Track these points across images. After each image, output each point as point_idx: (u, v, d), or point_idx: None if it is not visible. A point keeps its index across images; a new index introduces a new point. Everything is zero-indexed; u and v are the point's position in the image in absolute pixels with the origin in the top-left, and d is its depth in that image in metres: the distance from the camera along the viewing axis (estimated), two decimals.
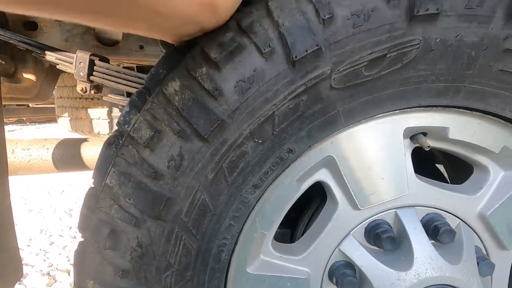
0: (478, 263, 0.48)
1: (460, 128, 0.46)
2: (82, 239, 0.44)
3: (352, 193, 0.47)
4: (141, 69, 1.24)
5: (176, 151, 0.38)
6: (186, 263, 0.42)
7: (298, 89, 0.38)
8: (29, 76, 0.99)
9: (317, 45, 0.36)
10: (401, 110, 0.43)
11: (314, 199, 0.57)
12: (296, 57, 0.36)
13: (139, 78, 0.88)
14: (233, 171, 0.40)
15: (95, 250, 0.41)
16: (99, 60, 0.85)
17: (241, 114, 0.38)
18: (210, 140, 0.38)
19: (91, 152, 1.02)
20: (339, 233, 0.49)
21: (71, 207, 2.32)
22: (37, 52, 0.84)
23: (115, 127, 0.43)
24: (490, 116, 0.45)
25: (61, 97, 1.36)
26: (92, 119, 1.28)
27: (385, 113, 0.43)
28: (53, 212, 2.24)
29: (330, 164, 0.46)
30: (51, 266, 1.58)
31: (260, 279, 0.49)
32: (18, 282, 0.79)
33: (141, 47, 1.03)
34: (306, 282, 0.49)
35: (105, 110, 1.26)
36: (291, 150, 0.42)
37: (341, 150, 0.45)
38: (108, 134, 1.30)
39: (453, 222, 0.50)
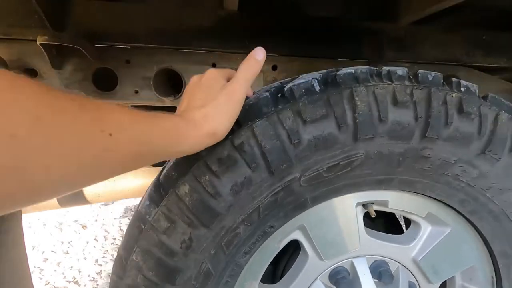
0: None
1: (396, 201, 0.62)
2: None
3: (318, 249, 0.62)
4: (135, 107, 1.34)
5: (187, 236, 0.51)
6: None
7: (276, 188, 0.52)
8: None
9: (289, 160, 0.50)
10: (353, 193, 0.58)
11: (290, 247, 0.72)
12: (274, 169, 0.50)
13: None
14: (229, 246, 0.54)
15: None
16: None
17: (235, 208, 0.51)
18: (212, 228, 0.51)
19: (92, 187, 1.11)
20: (310, 277, 0.64)
21: (60, 221, 2.38)
22: None
23: (136, 214, 0.55)
24: (417, 193, 0.61)
25: None
26: None
27: (342, 196, 0.58)
28: (43, 227, 2.29)
29: (303, 228, 0.61)
30: (48, 284, 1.67)
31: None
32: None
33: (136, 92, 1.12)
34: None
35: None
36: (272, 226, 0.56)
37: (309, 221, 0.59)
38: None
39: (394, 266, 0.66)
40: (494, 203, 0.59)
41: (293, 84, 0.53)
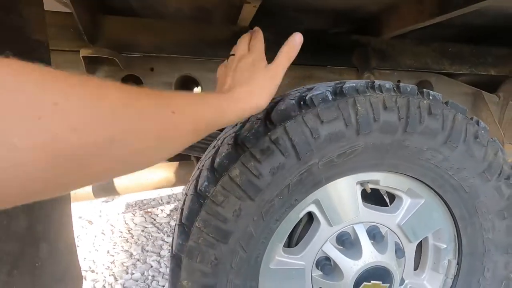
0: (396, 251, 0.87)
1: (385, 180, 0.83)
2: (176, 256, 0.74)
3: (328, 217, 0.82)
4: None
5: (237, 207, 0.70)
6: (240, 266, 0.74)
7: (302, 171, 0.71)
8: None
9: (311, 150, 0.70)
10: (355, 174, 0.79)
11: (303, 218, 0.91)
12: (301, 157, 0.69)
13: None
14: (267, 214, 0.73)
15: (188, 263, 0.72)
16: None
17: (272, 186, 0.70)
18: (256, 200, 0.70)
19: (122, 180, 1.26)
20: (322, 240, 0.84)
21: None
22: None
23: (195, 192, 0.72)
24: (401, 173, 0.82)
25: None
26: None
27: (347, 176, 0.78)
28: None
29: (317, 202, 0.81)
30: None
31: (277, 271, 0.82)
32: None
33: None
34: (302, 270, 0.84)
35: None
36: (296, 199, 0.75)
37: (323, 195, 0.79)
38: None
39: (383, 230, 0.87)
40: (454, 179, 0.81)
41: (311, 94, 0.72)
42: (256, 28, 0.62)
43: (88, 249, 2.03)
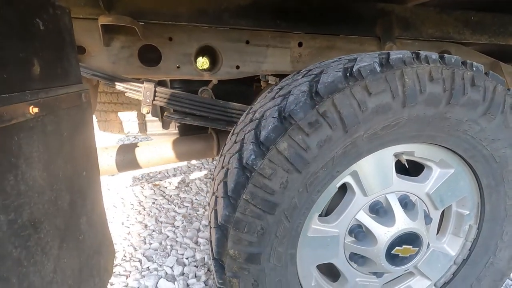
0: (425, 218, 0.91)
1: (420, 151, 0.85)
2: (222, 227, 0.76)
3: (364, 188, 0.84)
4: (172, 82, 1.44)
5: (284, 179, 0.71)
6: (284, 234, 0.77)
7: (347, 143, 0.72)
8: None
9: (358, 123, 0.70)
10: (394, 145, 0.80)
11: None
12: (348, 129, 0.70)
13: (189, 99, 1.13)
14: (311, 186, 0.74)
15: (235, 233, 0.74)
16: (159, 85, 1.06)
17: (318, 158, 0.71)
18: (302, 173, 0.71)
19: (144, 154, 1.25)
20: (356, 210, 0.87)
21: None
22: (107, 83, 1.03)
23: (241, 164, 0.73)
24: (435, 144, 0.84)
25: None
26: (122, 121, 1.46)
27: (386, 148, 0.79)
28: None
29: (354, 173, 0.83)
30: None
31: (314, 238, 0.86)
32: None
33: (178, 67, 1.23)
34: (337, 237, 0.88)
35: (134, 113, 1.44)
36: (338, 171, 0.77)
37: (361, 167, 0.81)
38: (137, 133, 1.50)
39: (414, 198, 0.91)
40: (487, 149, 0.83)
41: (359, 66, 0.71)
42: None
43: None
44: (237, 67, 1.29)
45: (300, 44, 1.32)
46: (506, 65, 1.54)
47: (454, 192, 0.93)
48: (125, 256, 1.70)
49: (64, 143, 0.72)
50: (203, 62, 1.60)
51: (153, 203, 2.33)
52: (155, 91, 1.05)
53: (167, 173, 2.90)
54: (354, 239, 0.89)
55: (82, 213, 0.84)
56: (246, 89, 1.69)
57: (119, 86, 1.04)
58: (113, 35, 1.15)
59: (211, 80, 1.33)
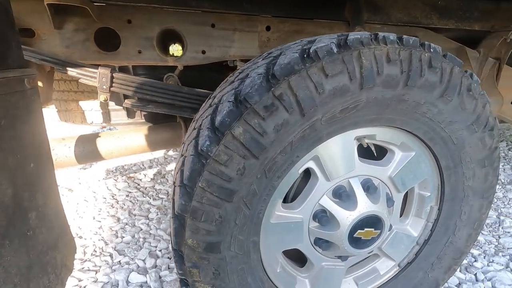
0: (387, 201, 0.92)
1: (381, 135, 0.85)
2: (179, 216, 0.73)
3: (327, 172, 0.84)
4: (134, 68, 1.36)
5: (241, 165, 0.69)
6: (244, 222, 0.76)
7: (305, 127, 0.70)
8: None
9: (315, 105, 0.68)
10: (354, 129, 0.79)
11: None
12: (305, 113, 0.68)
13: (150, 85, 1.08)
14: (270, 172, 0.73)
15: (192, 223, 0.72)
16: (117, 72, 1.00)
17: (276, 143, 0.69)
18: (260, 158, 0.69)
19: (106, 145, 1.19)
20: (319, 195, 0.87)
21: None
22: (59, 68, 0.96)
23: (197, 151, 0.70)
24: (395, 127, 0.84)
25: None
26: (84, 110, 1.38)
27: (347, 131, 0.79)
28: None
29: (316, 158, 0.81)
30: None
31: (277, 225, 0.85)
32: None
33: (140, 52, 1.17)
34: (301, 223, 0.88)
35: (97, 102, 1.37)
36: (298, 156, 0.75)
37: (322, 151, 0.80)
38: (101, 123, 1.43)
39: (376, 182, 0.92)
40: (445, 131, 0.84)
41: (316, 47, 0.69)
42: None
43: (72, 216, 1.98)
44: (203, 52, 1.24)
45: (268, 28, 1.28)
46: (471, 50, 1.57)
47: (416, 175, 0.94)
48: (95, 251, 1.65)
49: (2, 133, 0.66)
50: (177, 50, 1.53)
51: (127, 196, 2.27)
52: (111, 77, 0.99)
53: (143, 165, 2.82)
54: (318, 224, 0.89)
55: (30, 208, 0.79)
56: (217, 76, 1.64)
57: (72, 71, 0.97)
58: (65, 17, 1.07)
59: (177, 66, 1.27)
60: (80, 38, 1.10)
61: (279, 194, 0.82)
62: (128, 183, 2.46)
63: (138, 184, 2.44)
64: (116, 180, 2.50)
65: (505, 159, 3.08)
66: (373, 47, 0.70)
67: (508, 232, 1.85)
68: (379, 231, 0.89)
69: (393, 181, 0.92)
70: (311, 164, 0.83)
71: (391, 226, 0.98)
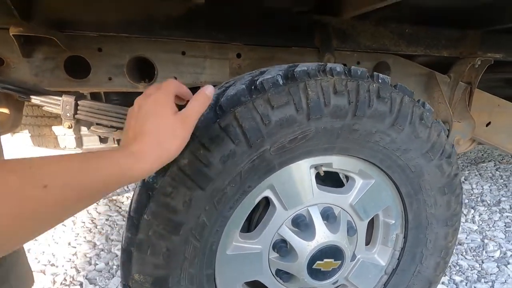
0: (348, 229, 0.91)
1: (337, 163, 0.85)
2: (126, 250, 0.71)
3: (283, 202, 0.83)
4: (107, 94, 1.38)
5: (187, 197, 0.68)
6: (194, 255, 0.74)
7: (253, 157, 0.70)
8: (3, 110, 1.07)
9: (262, 136, 0.68)
10: (308, 158, 0.79)
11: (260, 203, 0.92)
12: (252, 143, 0.68)
13: (115, 112, 1.09)
14: (219, 203, 0.72)
15: (139, 256, 0.70)
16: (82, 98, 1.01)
17: (223, 174, 0.69)
18: (207, 190, 0.68)
19: None
20: (278, 224, 0.85)
21: None
22: (22, 96, 0.96)
23: (143, 184, 0.69)
24: (352, 156, 0.84)
25: None
26: (57, 135, 1.37)
27: (300, 160, 0.79)
28: None
29: (272, 187, 0.81)
30: None
31: (234, 256, 0.83)
32: None
33: (110, 79, 1.19)
34: (259, 254, 0.85)
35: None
36: (250, 186, 0.75)
37: (277, 181, 0.80)
38: (75, 148, 1.42)
39: (337, 210, 0.91)
40: (401, 160, 0.84)
41: (262, 78, 0.70)
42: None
43: (47, 242, 1.93)
44: (175, 78, 1.26)
45: (239, 55, 1.32)
46: (442, 75, 1.61)
47: (377, 202, 0.93)
48: (65, 280, 1.59)
49: None
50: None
51: (107, 219, 2.22)
52: (76, 104, 0.99)
53: (127, 187, 2.78)
54: (277, 254, 0.87)
55: None
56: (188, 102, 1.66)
57: (36, 99, 0.97)
58: (34, 46, 1.09)
59: None
60: (49, 66, 1.11)
61: (235, 225, 0.81)
62: (109, 206, 2.42)
63: (120, 207, 2.39)
64: (97, 203, 2.45)
65: (492, 180, 3.09)
66: (319, 78, 0.71)
67: (492, 256, 1.81)
68: (339, 261, 0.87)
69: (354, 209, 0.91)
70: (268, 193, 0.82)
71: (354, 255, 0.96)
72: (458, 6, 1.39)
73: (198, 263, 0.75)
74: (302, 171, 0.82)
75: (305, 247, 0.83)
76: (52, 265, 1.71)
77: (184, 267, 0.73)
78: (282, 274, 0.89)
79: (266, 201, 0.88)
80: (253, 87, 0.70)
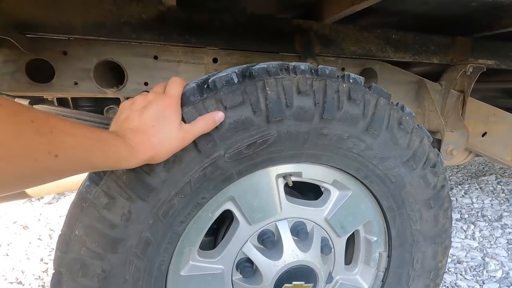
0: (323, 247, 0.81)
1: (308, 172, 0.76)
2: (56, 271, 0.62)
3: (247, 216, 0.74)
4: (76, 100, 1.32)
5: (126, 210, 0.59)
6: (137, 277, 0.64)
7: (204, 164, 0.62)
8: None
9: (213, 140, 0.60)
10: (272, 166, 0.71)
11: (229, 215, 0.83)
12: (201, 148, 0.60)
13: (76, 117, 1.01)
14: (166, 216, 0.63)
15: (69, 278, 0.60)
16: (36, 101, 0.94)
17: (168, 183, 0.60)
18: (149, 201, 0.60)
19: None
20: (242, 240, 0.76)
21: None
22: None
23: (77, 195, 0.61)
24: (323, 164, 0.75)
25: None
26: None
27: (263, 169, 0.70)
28: None
29: (232, 199, 0.72)
30: None
31: (190, 277, 0.73)
32: None
33: (76, 83, 1.12)
34: (221, 274, 0.75)
35: None
36: (204, 197, 0.66)
37: (237, 192, 0.71)
38: None
39: (310, 225, 0.81)
40: (379, 169, 0.76)
41: (215, 76, 0.63)
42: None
43: (19, 258, 1.82)
44: (146, 83, 1.19)
45: (215, 60, 1.25)
46: (432, 82, 1.54)
47: (356, 217, 0.84)
48: None
49: None
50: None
51: None
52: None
53: None
54: (241, 276, 0.77)
55: None
56: None
57: None
58: None
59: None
60: (9, 69, 1.05)
61: (190, 242, 0.71)
62: None
63: None
64: None
65: (494, 194, 2.96)
66: (280, 77, 0.64)
67: (494, 276, 1.68)
68: (311, 284, 0.76)
69: (330, 224, 0.82)
70: (230, 206, 0.73)
71: (331, 277, 0.85)
72: (447, 13, 1.33)
73: (143, 286, 0.65)
74: (267, 181, 0.73)
75: (271, 268, 0.73)
76: (19, 283, 1.60)
77: None
78: None
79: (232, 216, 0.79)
80: (205, 86, 0.62)
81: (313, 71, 0.68)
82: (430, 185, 0.80)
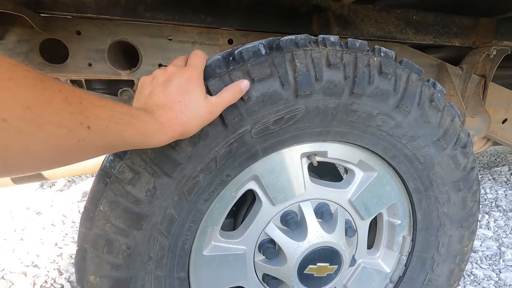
0: (347, 230, 0.79)
1: (333, 151, 0.73)
2: (80, 248, 0.61)
3: (270, 196, 0.72)
4: (90, 82, 1.30)
5: (151, 185, 0.57)
6: (161, 255, 0.63)
7: (230, 140, 0.59)
8: None
9: (240, 114, 0.58)
10: (297, 144, 0.68)
11: (248, 197, 0.81)
12: (228, 123, 0.57)
13: None
14: (191, 193, 0.61)
15: (94, 255, 0.59)
16: None
17: (194, 158, 0.58)
18: (174, 177, 0.58)
19: None
20: (264, 221, 0.74)
21: (10, 209, 2.23)
22: None
23: (101, 170, 0.59)
24: (349, 143, 0.72)
25: None
26: None
27: (289, 147, 0.67)
28: None
29: (256, 178, 0.70)
30: (3, 270, 1.60)
31: (213, 258, 0.72)
32: None
33: (90, 65, 1.10)
34: (243, 255, 0.74)
35: None
36: (228, 175, 0.64)
37: (262, 170, 0.68)
38: None
39: (333, 207, 0.79)
40: (408, 148, 0.73)
41: (242, 48, 0.60)
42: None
43: (34, 242, 1.84)
44: (160, 65, 1.17)
45: (230, 41, 1.22)
46: (453, 66, 1.49)
47: (381, 199, 0.81)
48: (46, 282, 1.49)
49: None
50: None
51: None
52: None
53: None
54: (264, 257, 0.75)
55: None
56: None
57: None
58: (7, 27, 1.01)
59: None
60: (23, 49, 1.03)
61: (213, 221, 0.70)
62: None
63: None
64: None
65: (508, 184, 2.91)
66: (309, 49, 0.61)
67: (510, 265, 1.65)
68: (336, 266, 0.75)
69: (354, 206, 0.80)
70: (253, 186, 0.71)
71: (354, 260, 0.83)
72: None
73: (167, 264, 0.64)
74: (292, 160, 0.70)
75: (295, 249, 0.71)
76: (35, 266, 1.62)
77: (150, 269, 0.62)
78: (269, 280, 0.77)
79: (254, 196, 0.77)
80: (231, 58, 0.59)
81: (342, 44, 0.64)
82: (460, 166, 0.77)
